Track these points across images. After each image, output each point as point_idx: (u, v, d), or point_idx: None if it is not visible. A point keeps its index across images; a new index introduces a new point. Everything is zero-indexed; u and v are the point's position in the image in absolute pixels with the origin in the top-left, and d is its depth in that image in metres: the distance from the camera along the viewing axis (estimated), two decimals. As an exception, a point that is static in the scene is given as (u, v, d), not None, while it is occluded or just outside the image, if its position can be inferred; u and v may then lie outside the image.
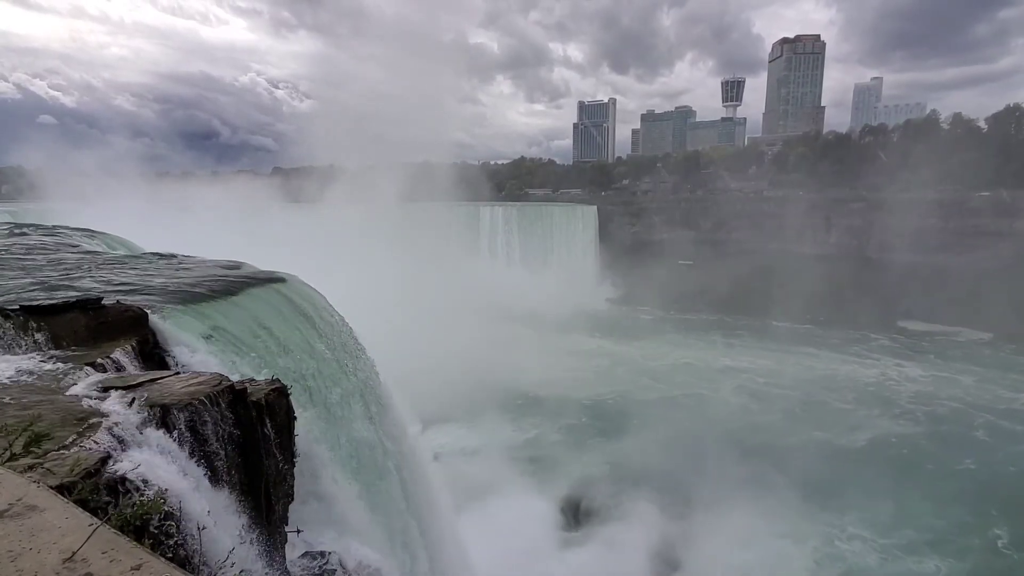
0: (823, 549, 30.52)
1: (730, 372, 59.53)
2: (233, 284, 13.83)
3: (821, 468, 37.66)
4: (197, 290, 12.66)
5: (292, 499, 9.07)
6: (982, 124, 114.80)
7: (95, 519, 3.31)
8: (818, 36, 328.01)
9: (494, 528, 27.70)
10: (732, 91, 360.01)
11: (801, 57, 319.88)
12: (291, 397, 8.94)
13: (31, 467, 4.53)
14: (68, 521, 3.25)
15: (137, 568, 2.83)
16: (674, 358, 64.71)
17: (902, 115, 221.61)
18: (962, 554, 29.92)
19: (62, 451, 4.97)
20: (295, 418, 9.01)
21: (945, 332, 77.64)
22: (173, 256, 18.69)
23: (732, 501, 32.91)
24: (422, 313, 56.29)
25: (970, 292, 79.48)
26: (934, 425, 46.17)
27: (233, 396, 7.44)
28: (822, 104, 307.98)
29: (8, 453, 4.68)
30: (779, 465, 37.03)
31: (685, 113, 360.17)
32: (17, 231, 25.39)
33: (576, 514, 33.91)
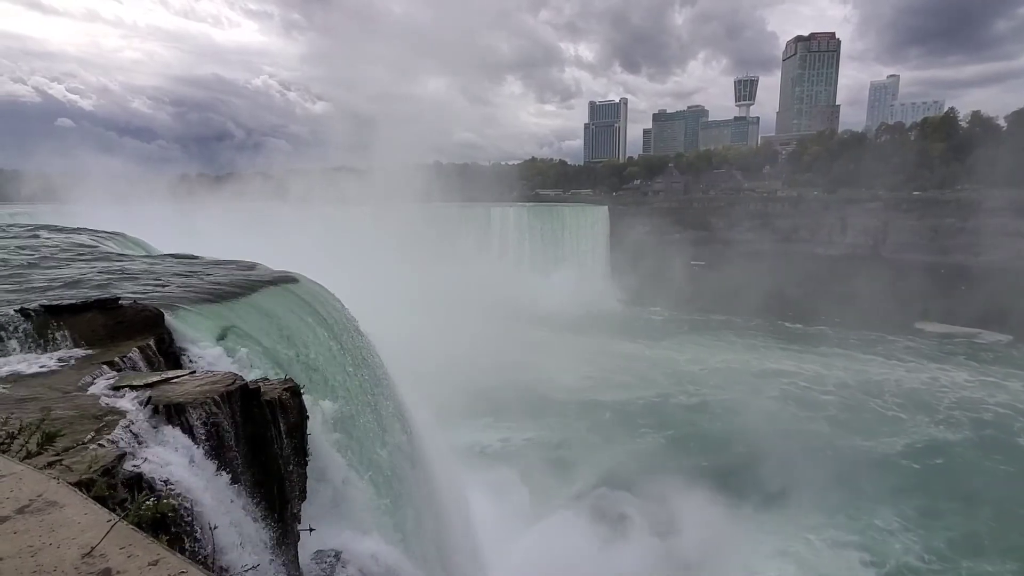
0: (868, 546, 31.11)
1: (769, 375, 59.15)
2: (247, 284, 13.97)
3: (862, 471, 38.52)
4: (212, 290, 12.80)
5: (305, 498, 9.13)
6: (1002, 122, 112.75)
7: (113, 515, 3.35)
8: (833, 34, 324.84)
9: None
10: (745, 90, 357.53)
11: (816, 55, 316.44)
12: (304, 395, 9.00)
13: (50, 464, 4.61)
14: (87, 517, 3.30)
15: (154, 564, 2.86)
16: (714, 362, 64.14)
17: (919, 113, 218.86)
18: (1007, 553, 30.31)
19: (81, 448, 5.05)
20: (307, 417, 9.06)
21: (964, 334, 76.32)
22: (188, 257, 18.91)
23: (784, 498, 34.37)
24: (432, 313, 56.44)
25: (988, 293, 78.09)
26: (978, 430, 45.87)
27: (246, 395, 7.51)
28: (837, 103, 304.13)
29: (25, 451, 4.77)
30: (824, 466, 38.09)
31: (697, 112, 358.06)
32: (36, 233, 25.84)
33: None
